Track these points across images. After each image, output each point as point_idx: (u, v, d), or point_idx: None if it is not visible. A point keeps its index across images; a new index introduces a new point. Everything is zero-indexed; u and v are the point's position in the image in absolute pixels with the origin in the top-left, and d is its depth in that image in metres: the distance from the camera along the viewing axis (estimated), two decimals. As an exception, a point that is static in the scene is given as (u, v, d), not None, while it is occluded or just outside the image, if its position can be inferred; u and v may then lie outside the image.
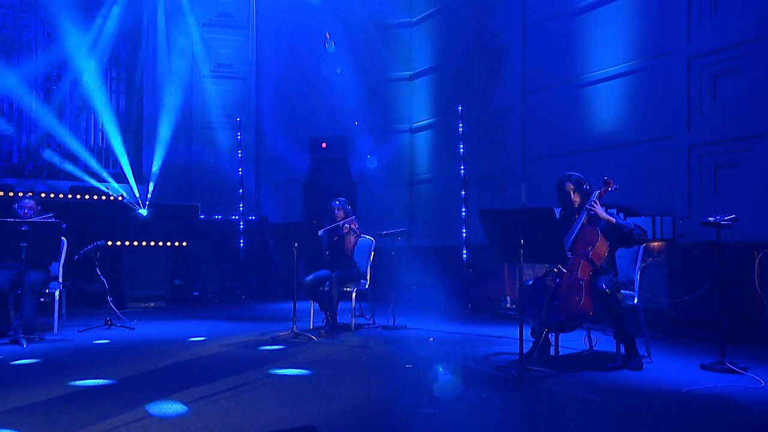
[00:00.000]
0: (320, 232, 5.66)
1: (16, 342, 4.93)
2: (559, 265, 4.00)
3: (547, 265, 4.14)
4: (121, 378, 3.78)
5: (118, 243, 7.84)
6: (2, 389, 3.45)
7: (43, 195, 7.77)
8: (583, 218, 4.15)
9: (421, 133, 9.49)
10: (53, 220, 5.24)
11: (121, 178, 9.23)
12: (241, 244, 9.12)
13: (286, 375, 3.95)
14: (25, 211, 5.50)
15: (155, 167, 9.34)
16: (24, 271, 5.14)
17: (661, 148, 6.15)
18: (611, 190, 4.25)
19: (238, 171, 9.35)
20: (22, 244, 4.90)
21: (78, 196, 8.20)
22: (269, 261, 9.51)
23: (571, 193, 4.29)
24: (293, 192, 9.78)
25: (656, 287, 5.76)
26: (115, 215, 8.31)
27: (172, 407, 3.10)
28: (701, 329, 5.21)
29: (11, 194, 7.50)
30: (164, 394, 3.33)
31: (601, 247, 4.03)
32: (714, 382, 3.63)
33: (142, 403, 3.15)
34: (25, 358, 4.42)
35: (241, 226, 9.18)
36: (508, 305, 7.34)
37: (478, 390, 3.51)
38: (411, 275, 7.61)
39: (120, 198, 8.64)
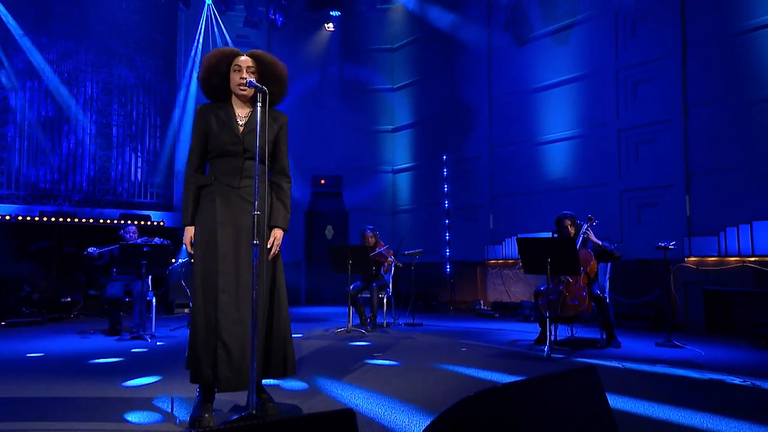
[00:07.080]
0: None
1: (140, 338, 5.06)
2: (567, 277, 4.77)
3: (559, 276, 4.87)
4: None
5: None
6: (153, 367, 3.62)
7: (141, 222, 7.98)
8: (579, 243, 4.95)
9: (402, 173, 9.99)
10: (167, 242, 5.40)
11: (159, 207, 9.24)
12: (264, 261, 9.37)
13: (378, 364, 3.99)
14: (130, 234, 5.61)
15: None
16: (135, 282, 5.28)
17: (600, 192, 6.93)
18: (594, 224, 5.07)
19: (259, 201, 9.59)
20: (142, 262, 5.07)
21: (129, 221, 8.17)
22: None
23: (569, 227, 5.06)
24: (297, 219, 10.03)
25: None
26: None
27: (299, 384, 3.29)
28: (635, 321, 6.14)
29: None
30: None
31: (594, 264, 4.82)
32: (673, 354, 4.34)
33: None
34: (152, 347, 4.46)
35: (261, 246, 9.44)
36: (482, 307, 8.06)
37: (526, 363, 3.97)
38: (406, 285, 8.17)
39: (161, 223, 8.66)
